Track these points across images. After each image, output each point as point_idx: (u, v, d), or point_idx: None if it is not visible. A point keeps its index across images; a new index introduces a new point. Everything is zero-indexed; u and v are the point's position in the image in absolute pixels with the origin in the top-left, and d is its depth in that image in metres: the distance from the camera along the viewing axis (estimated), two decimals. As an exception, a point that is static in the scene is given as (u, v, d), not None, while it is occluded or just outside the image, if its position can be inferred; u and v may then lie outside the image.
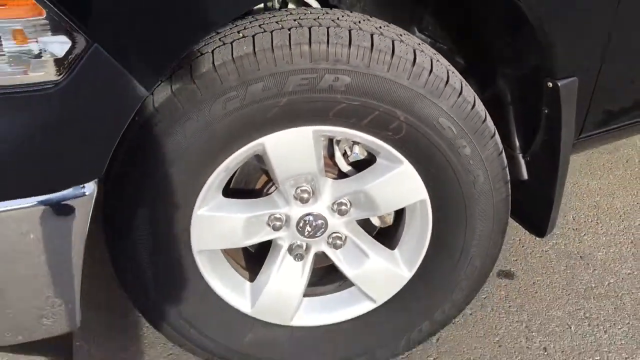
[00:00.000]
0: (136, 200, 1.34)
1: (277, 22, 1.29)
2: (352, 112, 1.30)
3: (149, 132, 1.26)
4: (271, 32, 1.26)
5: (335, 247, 1.52)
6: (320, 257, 1.56)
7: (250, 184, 1.52)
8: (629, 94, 1.73)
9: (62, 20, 1.03)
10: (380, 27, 1.34)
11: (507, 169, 1.46)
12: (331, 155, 1.49)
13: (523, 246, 2.10)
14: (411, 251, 1.53)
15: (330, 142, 1.48)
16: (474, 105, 1.36)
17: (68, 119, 1.11)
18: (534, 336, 1.80)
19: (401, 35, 1.35)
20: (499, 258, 1.87)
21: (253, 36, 1.26)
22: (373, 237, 1.58)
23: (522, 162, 1.70)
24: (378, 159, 1.42)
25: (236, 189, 1.50)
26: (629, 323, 1.84)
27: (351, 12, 1.40)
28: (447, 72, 1.33)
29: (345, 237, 1.51)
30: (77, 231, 1.22)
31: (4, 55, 1.04)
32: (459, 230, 1.48)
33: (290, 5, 1.53)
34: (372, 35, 1.28)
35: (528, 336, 1.80)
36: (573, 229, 2.19)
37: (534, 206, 1.72)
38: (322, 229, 1.48)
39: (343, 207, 1.45)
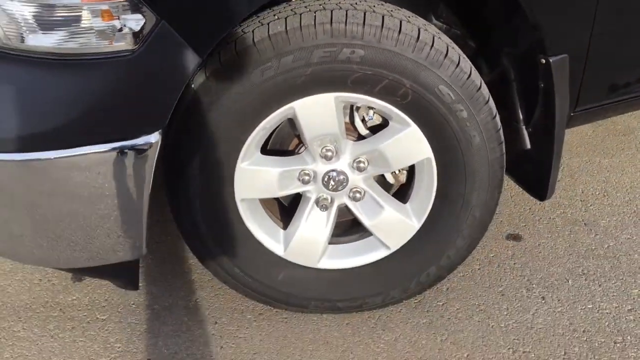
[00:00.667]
0: (191, 150, 1.63)
1: (305, 7, 1.58)
2: (366, 80, 1.57)
3: (202, 94, 1.56)
4: (300, 14, 1.55)
5: (355, 200, 1.79)
6: (343, 210, 1.84)
7: (284, 146, 1.81)
8: (619, 72, 1.93)
9: (139, 2, 1.35)
10: (391, 10, 1.61)
11: (500, 131, 1.70)
12: (352, 121, 1.77)
13: (532, 214, 2.31)
14: (420, 204, 1.78)
15: (351, 110, 1.75)
16: (469, 75, 1.61)
17: (140, 80, 1.42)
18: (534, 287, 2.02)
19: (409, 17, 1.61)
20: (509, 223, 2.10)
21: (285, 18, 1.55)
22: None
23: (525, 132, 1.93)
24: (390, 123, 1.68)
25: (272, 150, 1.80)
26: (622, 279, 2.03)
27: (369, -2, 1.67)
28: (447, 47, 1.59)
29: (364, 191, 1.78)
30: (145, 173, 1.50)
31: (93, 29, 1.36)
32: (460, 185, 1.73)
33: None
34: (383, 17, 1.55)
35: (529, 287, 2.02)
36: (581, 200, 2.38)
37: (536, 173, 1.95)
38: (344, 184, 1.75)
39: (361, 165, 1.73)
